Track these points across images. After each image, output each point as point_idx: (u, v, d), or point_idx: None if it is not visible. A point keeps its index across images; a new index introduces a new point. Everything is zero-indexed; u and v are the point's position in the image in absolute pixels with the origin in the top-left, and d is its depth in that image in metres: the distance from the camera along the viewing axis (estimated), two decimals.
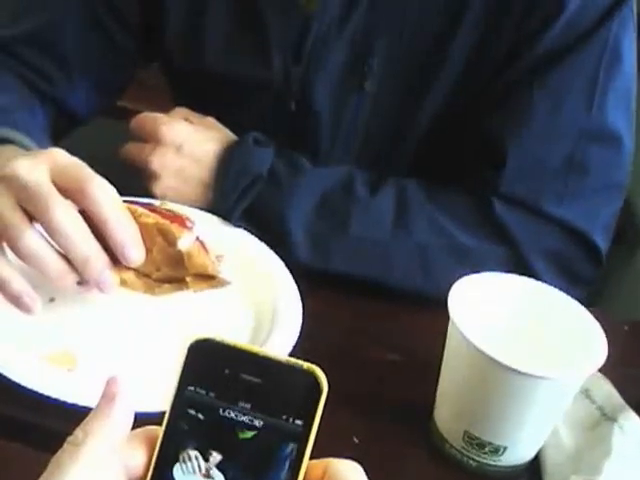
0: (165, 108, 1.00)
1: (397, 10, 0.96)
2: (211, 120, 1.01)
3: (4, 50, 1.05)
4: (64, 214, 0.71)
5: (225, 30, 1.03)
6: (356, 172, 0.96)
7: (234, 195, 0.92)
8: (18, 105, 1.00)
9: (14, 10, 1.08)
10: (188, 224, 0.79)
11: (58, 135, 1.06)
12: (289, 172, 0.94)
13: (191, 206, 0.92)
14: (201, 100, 1.03)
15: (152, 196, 0.93)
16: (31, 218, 0.72)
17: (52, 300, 0.81)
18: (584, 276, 0.96)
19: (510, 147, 0.94)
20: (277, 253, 0.90)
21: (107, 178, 0.74)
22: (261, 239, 0.91)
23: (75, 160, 0.75)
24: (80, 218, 0.73)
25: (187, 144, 0.94)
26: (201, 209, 0.93)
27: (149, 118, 0.97)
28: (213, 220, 0.93)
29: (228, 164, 0.93)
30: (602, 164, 0.95)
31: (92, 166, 0.74)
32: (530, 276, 0.77)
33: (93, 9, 1.05)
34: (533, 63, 0.94)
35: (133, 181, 0.92)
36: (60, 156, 0.74)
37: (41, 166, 0.72)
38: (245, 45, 1.03)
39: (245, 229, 0.92)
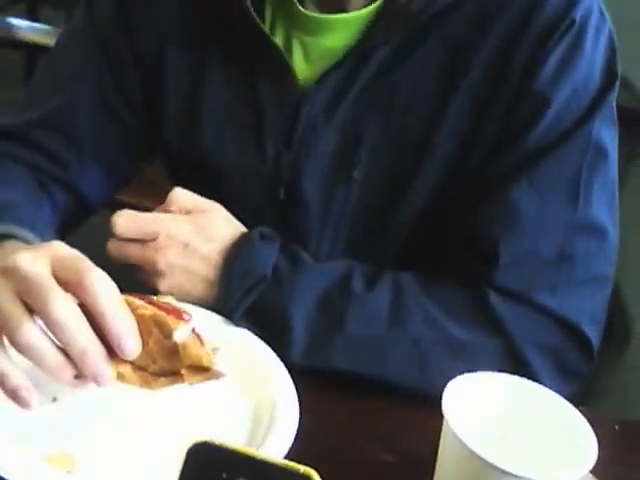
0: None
1: (384, 100, 0.99)
2: (217, 209, 0.99)
3: (15, 139, 1.07)
4: (63, 307, 0.71)
5: (223, 114, 1.05)
6: (354, 266, 0.96)
7: (237, 295, 0.92)
8: (24, 199, 1.01)
9: (25, 99, 1.11)
10: (185, 316, 0.79)
11: (70, 226, 1.07)
12: (291, 269, 0.94)
13: (194, 303, 0.92)
14: (199, 192, 1.04)
15: (156, 291, 0.93)
16: (31, 311, 0.72)
17: (55, 400, 0.80)
18: (578, 370, 0.96)
19: (501, 241, 0.95)
20: (275, 352, 0.90)
21: (106, 271, 0.74)
22: (261, 337, 0.91)
23: (75, 252, 0.75)
24: (79, 311, 0.73)
25: (193, 242, 0.94)
26: (203, 306, 0.93)
27: (147, 217, 0.96)
28: (213, 317, 0.93)
29: (233, 263, 0.94)
30: (589, 256, 0.96)
31: (92, 259, 0.75)
32: (524, 368, 0.78)
33: (103, 93, 1.07)
34: (519, 159, 0.96)
35: (132, 275, 0.93)
36: (60, 249, 0.75)
37: (42, 260, 0.73)
38: (241, 130, 1.05)
39: (247, 328, 0.92)
